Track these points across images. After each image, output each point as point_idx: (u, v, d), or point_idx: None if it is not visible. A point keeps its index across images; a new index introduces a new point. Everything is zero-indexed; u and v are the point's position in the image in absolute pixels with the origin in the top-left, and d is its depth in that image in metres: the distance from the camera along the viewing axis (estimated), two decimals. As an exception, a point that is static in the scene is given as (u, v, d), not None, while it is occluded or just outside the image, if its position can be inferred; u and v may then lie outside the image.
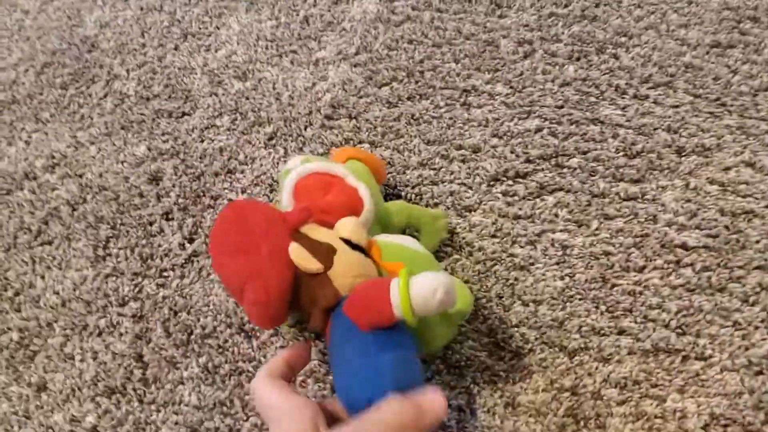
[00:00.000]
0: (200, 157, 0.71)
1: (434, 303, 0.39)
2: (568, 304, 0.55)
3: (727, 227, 0.58)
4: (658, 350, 0.51)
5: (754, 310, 0.53)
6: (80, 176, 0.72)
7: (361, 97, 0.74)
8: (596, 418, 0.49)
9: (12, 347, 0.59)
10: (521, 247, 0.59)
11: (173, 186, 0.69)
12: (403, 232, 0.57)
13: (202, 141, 0.73)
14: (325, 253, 0.43)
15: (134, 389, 0.54)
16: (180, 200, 0.67)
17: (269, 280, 0.41)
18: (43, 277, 0.63)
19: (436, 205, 0.63)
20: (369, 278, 0.44)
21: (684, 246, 0.57)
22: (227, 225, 0.44)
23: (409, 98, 0.74)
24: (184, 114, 0.77)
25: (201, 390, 0.54)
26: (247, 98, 0.77)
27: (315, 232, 0.45)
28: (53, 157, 0.74)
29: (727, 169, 0.62)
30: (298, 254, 0.42)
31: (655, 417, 0.48)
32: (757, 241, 0.57)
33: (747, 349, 0.51)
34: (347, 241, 0.45)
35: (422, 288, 0.39)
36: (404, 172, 0.66)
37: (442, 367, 0.53)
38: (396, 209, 0.55)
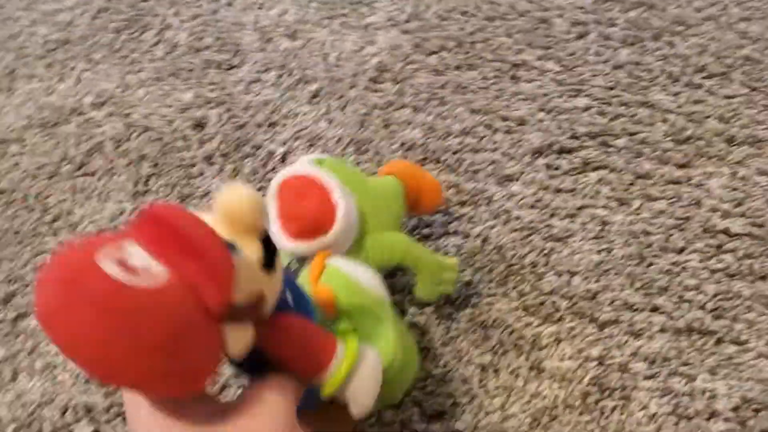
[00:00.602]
0: (244, 109, 0.72)
1: (369, 393, 0.34)
2: (602, 277, 0.54)
3: (773, 217, 0.56)
4: (692, 330, 0.50)
5: (795, 301, 0.51)
6: (126, 116, 0.73)
7: (408, 63, 0.74)
8: (621, 390, 0.48)
9: (46, 269, 0.60)
10: (560, 219, 0.58)
11: (216, 133, 0.69)
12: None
13: (248, 93, 0.74)
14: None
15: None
16: (222, 146, 0.68)
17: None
18: (82, 206, 0.64)
19: (475, 173, 0.63)
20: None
21: (727, 232, 0.56)
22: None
23: (457, 68, 0.73)
24: (232, 67, 0.78)
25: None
26: (295, 56, 0.77)
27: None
28: (101, 96, 0.75)
29: (779, 161, 0.61)
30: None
31: (683, 395, 0.47)
32: (804, 234, 0.55)
33: (785, 337, 0.49)
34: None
35: (365, 377, 0.34)
36: (445, 139, 0.66)
37: (468, 325, 0.53)
38: (388, 242, 0.46)
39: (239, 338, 0.28)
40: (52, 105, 0.75)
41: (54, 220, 0.64)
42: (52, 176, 0.67)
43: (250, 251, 0.29)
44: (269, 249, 0.30)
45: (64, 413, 0.50)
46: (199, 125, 0.70)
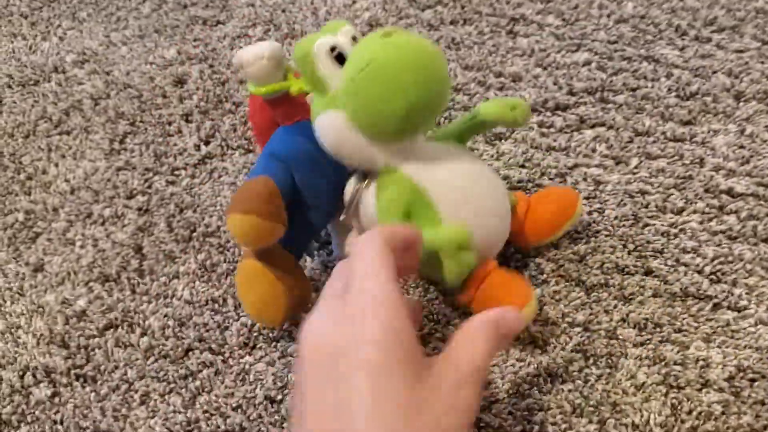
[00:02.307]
0: (228, 65, 0.69)
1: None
2: (592, 239, 0.51)
3: (782, 177, 0.52)
4: (687, 295, 0.47)
5: (802, 265, 0.47)
6: (107, 73, 0.70)
7: (401, 18, 0.70)
8: (608, 357, 0.44)
9: (16, 227, 0.58)
10: (549, 179, 0.55)
11: (197, 89, 0.66)
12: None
13: (232, 49, 0.71)
14: None
15: (128, 279, 0.53)
16: (201, 103, 0.65)
17: None
18: (56, 165, 0.62)
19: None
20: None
21: (730, 192, 0.52)
22: None
23: (452, 22, 0.69)
24: (218, 22, 0.75)
25: (195, 286, 0.51)
26: (284, 11, 0.74)
27: None
28: (84, 54, 0.73)
29: (791, 118, 0.56)
30: None
31: (675, 363, 0.43)
32: (815, 194, 0.51)
33: (788, 303, 0.46)
34: None
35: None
36: (436, 95, 0.62)
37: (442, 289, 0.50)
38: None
39: None
40: (34, 62, 0.73)
41: (28, 179, 0.62)
42: (28, 135, 0.65)
43: None
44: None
45: (23, 375, 0.48)
46: (180, 82, 0.68)
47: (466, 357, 0.30)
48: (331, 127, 0.40)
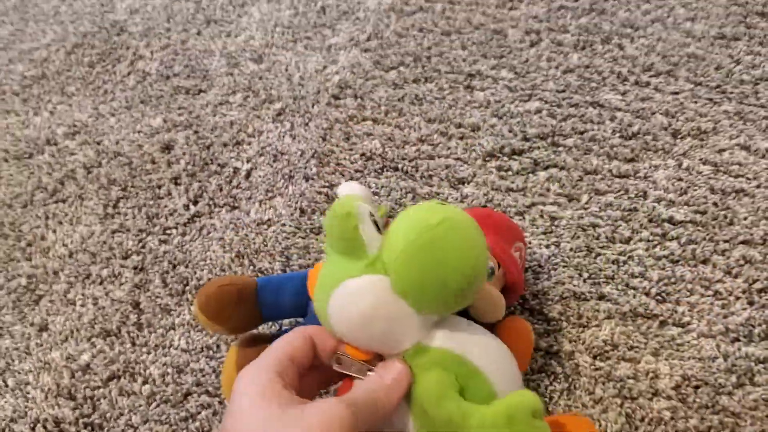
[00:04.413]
0: (211, 129, 0.74)
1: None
2: (552, 271, 0.56)
3: (716, 204, 0.58)
4: (637, 315, 0.52)
5: (737, 282, 0.53)
6: (98, 143, 0.75)
7: (368, 80, 0.77)
8: (566, 377, 0.49)
9: (19, 291, 0.62)
10: (510, 216, 0.60)
11: (183, 154, 0.72)
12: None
13: (215, 115, 0.76)
14: None
15: (128, 332, 0.57)
16: (189, 167, 0.70)
17: None
18: (54, 231, 0.67)
19: (430, 177, 0.65)
20: None
21: (671, 220, 0.58)
22: None
23: (414, 81, 0.76)
24: (200, 91, 0.81)
25: (190, 335, 0.56)
26: (261, 78, 0.80)
27: None
28: (74, 126, 0.78)
29: (722, 151, 0.63)
30: None
31: (628, 378, 0.48)
32: (745, 218, 0.57)
33: (725, 317, 0.51)
34: None
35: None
36: (403, 147, 0.68)
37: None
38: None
39: None
40: (28, 137, 0.78)
41: (28, 245, 0.66)
42: (26, 205, 0.70)
43: None
44: None
45: (34, 427, 0.52)
46: (167, 148, 0.73)
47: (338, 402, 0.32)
48: (370, 292, 0.35)
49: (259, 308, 0.46)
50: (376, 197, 0.64)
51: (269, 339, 0.48)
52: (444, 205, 0.36)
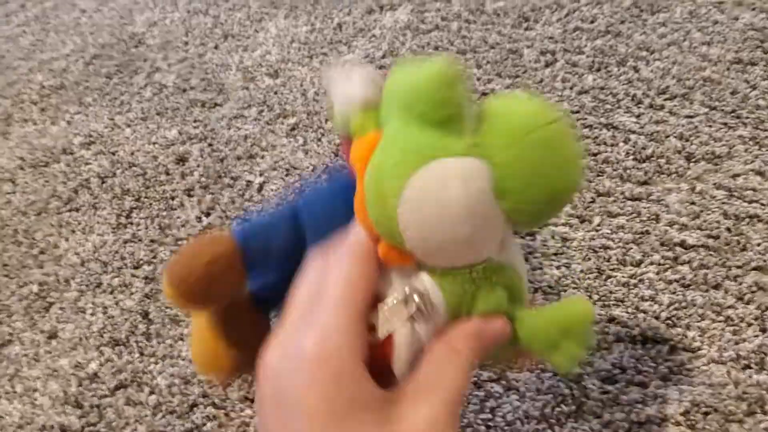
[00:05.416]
0: (226, 143, 0.75)
1: None
2: (563, 293, 0.56)
3: (729, 229, 0.58)
4: (647, 339, 0.51)
5: (749, 308, 0.52)
6: (113, 153, 0.76)
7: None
8: (573, 399, 0.49)
9: (31, 298, 0.62)
10: (521, 237, 0.60)
11: (198, 166, 0.72)
12: None
13: (229, 128, 0.77)
14: None
15: (137, 342, 0.57)
16: (202, 179, 0.71)
17: None
18: (67, 240, 0.67)
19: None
20: None
21: (683, 244, 0.57)
22: None
23: (428, 98, 0.76)
24: (216, 104, 0.81)
25: (198, 347, 0.56)
26: (276, 93, 0.81)
27: None
28: (90, 136, 0.79)
29: (736, 176, 0.62)
30: None
31: (636, 402, 0.48)
32: (759, 244, 0.56)
33: (737, 343, 0.50)
34: None
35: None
36: (416, 165, 0.68)
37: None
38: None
39: None
40: (44, 146, 0.79)
41: (41, 253, 0.67)
42: (40, 212, 0.71)
43: None
44: None
45: (40, 434, 0.52)
46: (182, 160, 0.74)
47: (440, 390, 0.27)
48: (479, 178, 0.27)
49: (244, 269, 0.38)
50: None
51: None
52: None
